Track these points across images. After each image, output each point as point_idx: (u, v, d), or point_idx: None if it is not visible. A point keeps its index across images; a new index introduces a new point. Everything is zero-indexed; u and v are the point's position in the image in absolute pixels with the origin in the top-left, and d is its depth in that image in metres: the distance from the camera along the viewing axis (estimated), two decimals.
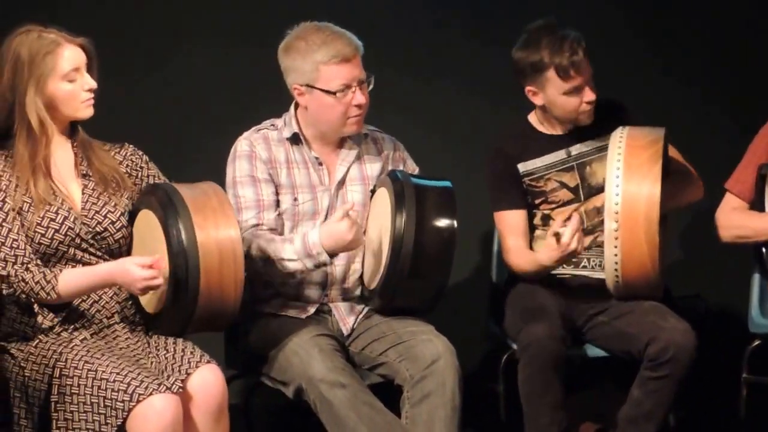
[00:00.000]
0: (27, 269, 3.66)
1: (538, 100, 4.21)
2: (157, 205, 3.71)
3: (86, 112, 3.76)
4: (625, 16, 4.96)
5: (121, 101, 4.58)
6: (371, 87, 4.03)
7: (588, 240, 4.22)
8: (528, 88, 4.19)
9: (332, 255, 3.94)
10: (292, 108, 4.12)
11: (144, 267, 3.63)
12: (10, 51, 3.70)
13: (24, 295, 3.67)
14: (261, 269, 3.97)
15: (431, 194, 3.96)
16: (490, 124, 4.67)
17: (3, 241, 3.66)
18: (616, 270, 4.02)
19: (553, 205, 4.25)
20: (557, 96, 4.15)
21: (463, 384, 3.90)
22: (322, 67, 3.96)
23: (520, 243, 4.23)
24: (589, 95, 4.15)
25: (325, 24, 4.03)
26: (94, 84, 3.75)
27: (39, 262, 3.69)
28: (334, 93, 3.98)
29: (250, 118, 4.18)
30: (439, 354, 3.90)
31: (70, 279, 3.67)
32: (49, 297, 3.66)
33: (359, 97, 3.99)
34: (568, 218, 4.08)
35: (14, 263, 3.65)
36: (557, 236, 4.01)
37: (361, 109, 4.02)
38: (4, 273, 3.65)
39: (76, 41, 3.75)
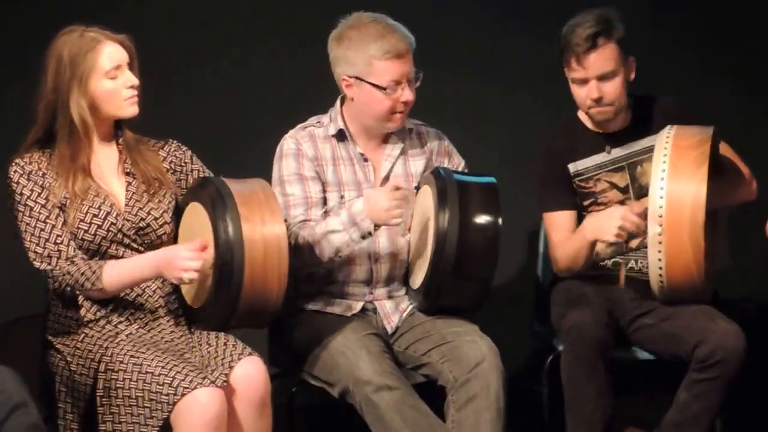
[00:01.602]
0: (72, 262, 3.68)
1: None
2: (207, 199, 3.73)
3: (130, 110, 3.76)
4: (674, 13, 4.93)
5: (168, 98, 4.59)
6: (419, 83, 4.01)
7: (636, 241, 4.18)
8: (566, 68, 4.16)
9: (376, 226, 3.90)
10: (338, 103, 4.10)
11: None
12: (53, 52, 3.72)
13: (69, 288, 3.68)
14: (308, 258, 3.95)
15: (475, 191, 3.93)
16: (538, 120, 4.65)
17: (47, 237, 3.68)
18: (660, 275, 3.95)
19: (603, 207, 4.20)
20: (571, 83, 4.13)
21: (507, 386, 3.87)
22: (375, 62, 3.94)
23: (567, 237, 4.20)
24: (594, 92, 4.07)
25: (380, 15, 4.00)
26: (136, 81, 3.75)
27: (84, 255, 3.70)
28: (384, 88, 3.96)
29: (296, 116, 4.17)
30: (483, 355, 3.88)
31: (114, 270, 3.68)
32: (94, 287, 3.67)
33: (407, 94, 3.98)
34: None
35: (58, 258, 3.67)
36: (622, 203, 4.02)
37: (407, 106, 4.01)
38: (48, 267, 3.67)
39: (117, 38, 3.75)
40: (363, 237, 3.92)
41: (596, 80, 4.07)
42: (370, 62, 3.95)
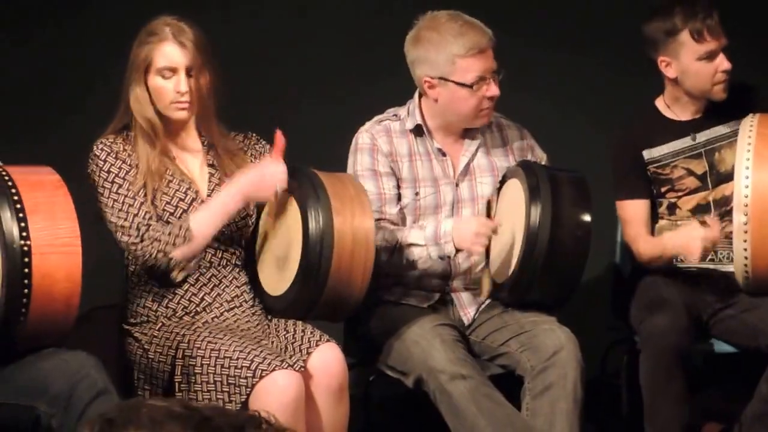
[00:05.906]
0: (156, 230, 3.68)
1: (671, 72, 4.13)
2: (297, 188, 3.73)
3: (176, 114, 3.75)
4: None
5: (244, 91, 4.61)
6: (501, 77, 3.96)
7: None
8: (661, 59, 4.13)
9: (456, 249, 3.89)
10: (416, 97, 4.06)
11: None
12: (136, 40, 3.77)
13: (161, 254, 3.67)
14: (382, 261, 3.94)
15: (567, 188, 3.89)
16: (615, 107, 4.59)
17: (135, 212, 3.69)
18: (745, 265, 3.90)
19: (680, 193, 4.17)
20: (691, 62, 4.08)
21: (585, 377, 3.83)
22: (459, 60, 3.88)
23: (643, 232, 4.16)
24: (725, 64, 4.08)
25: (455, 12, 3.95)
26: (185, 88, 3.70)
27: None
28: (470, 86, 3.91)
29: (373, 108, 4.14)
30: (562, 344, 3.84)
31: (197, 216, 3.70)
32: (186, 240, 3.67)
33: (493, 89, 3.92)
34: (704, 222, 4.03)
35: (146, 229, 3.68)
36: (703, 223, 3.98)
37: (493, 101, 3.97)
38: (136, 240, 3.67)
39: (186, 43, 3.72)
40: (441, 257, 3.91)
41: (722, 52, 4.08)
42: (453, 61, 3.89)
